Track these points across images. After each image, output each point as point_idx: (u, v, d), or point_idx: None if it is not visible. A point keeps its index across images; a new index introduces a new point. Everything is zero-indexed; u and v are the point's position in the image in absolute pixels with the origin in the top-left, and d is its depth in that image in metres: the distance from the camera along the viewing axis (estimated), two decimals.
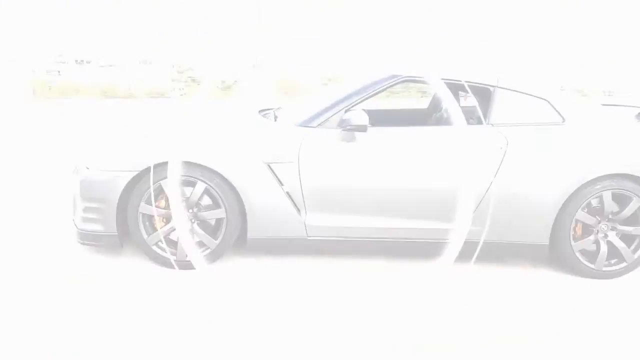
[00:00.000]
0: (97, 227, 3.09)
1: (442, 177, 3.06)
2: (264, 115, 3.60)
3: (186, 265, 3.06)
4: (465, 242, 3.07)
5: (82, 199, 3.10)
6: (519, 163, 3.04)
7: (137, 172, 2.99)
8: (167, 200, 3.08)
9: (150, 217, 3.09)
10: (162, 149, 2.99)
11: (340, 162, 3.04)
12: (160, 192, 3.05)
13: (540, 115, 3.18)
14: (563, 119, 3.16)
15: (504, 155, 3.04)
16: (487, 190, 3.05)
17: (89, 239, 3.14)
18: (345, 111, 3.07)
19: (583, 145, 3.08)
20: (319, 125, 3.11)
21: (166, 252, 3.06)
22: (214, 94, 9.79)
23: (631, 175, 3.03)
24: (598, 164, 3.03)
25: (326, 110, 3.15)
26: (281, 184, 3.02)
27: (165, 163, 2.92)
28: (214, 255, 3.12)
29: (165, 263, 3.10)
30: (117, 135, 3.57)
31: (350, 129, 2.97)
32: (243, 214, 3.07)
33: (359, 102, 3.16)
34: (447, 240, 3.07)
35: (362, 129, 2.93)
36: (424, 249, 3.20)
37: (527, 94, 3.20)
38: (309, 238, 3.11)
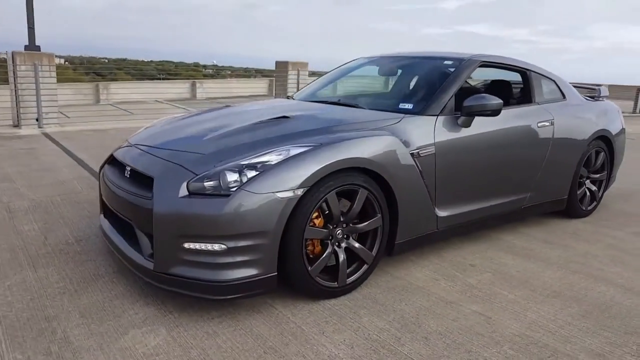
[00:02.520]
0: (251, 271, 2.26)
1: (529, 152, 3.45)
2: None
3: (348, 290, 2.61)
4: (526, 208, 3.62)
5: (222, 238, 2.20)
6: (558, 135, 3.67)
7: (306, 189, 2.31)
8: (325, 218, 2.49)
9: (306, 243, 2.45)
10: (328, 155, 2.40)
11: (463, 146, 3.03)
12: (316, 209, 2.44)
13: (553, 94, 3.88)
14: (564, 96, 3.94)
15: (554, 129, 3.62)
16: (544, 160, 3.59)
17: (241, 290, 2.27)
18: (460, 97, 3.06)
19: (581, 116, 3.94)
20: (440, 112, 3.00)
21: (327, 281, 2.52)
22: None
23: (605, 136, 4.07)
24: (592, 129, 3.94)
25: (444, 97, 3.05)
26: (423, 177, 2.83)
27: (335, 173, 2.41)
28: (370, 270, 2.72)
29: (328, 294, 2.55)
30: (242, 143, 2.58)
31: (489, 114, 2.98)
32: (393, 217, 2.75)
33: (458, 88, 3.18)
34: (525, 206, 3.53)
35: (497, 113, 3.00)
36: (512, 216, 3.58)
37: (546, 76, 3.83)
38: (438, 230, 3.03)
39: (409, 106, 3.06)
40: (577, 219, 4.10)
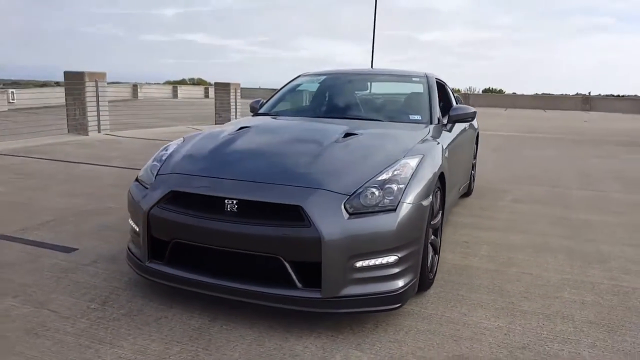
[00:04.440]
0: (410, 277, 2.47)
1: (467, 148, 4.37)
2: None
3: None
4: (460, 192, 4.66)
5: (394, 250, 2.35)
6: (470, 132, 4.73)
7: (432, 195, 2.63)
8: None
9: None
10: (433, 164, 2.78)
11: (452, 147, 3.68)
12: None
13: (453, 101, 4.92)
14: (457, 101, 5.05)
15: (470, 128, 4.65)
16: (469, 153, 4.60)
17: (407, 296, 2.44)
18: (450, 108, 3.74)
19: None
20: (438, 121, 3.61)
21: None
22: None
23: (478, 132, 5.37)
24: (476, 126, 5.17)
25: (437, 108, 3.66)
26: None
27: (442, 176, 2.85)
28: (439, 259, 3.15)
29: (430, 284, 2.90)
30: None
31: (470, 120, 3.71)
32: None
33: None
34: (460, 192, 4.53)
35: (474, 118, 3.76)
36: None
37: (447, 85, 4.84)
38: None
39: (417, 117, 3.57)
40: (467, 197, 5.29)
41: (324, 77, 4.28)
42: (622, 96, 44.63)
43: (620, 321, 2.57)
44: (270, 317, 2.50)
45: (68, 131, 9.80)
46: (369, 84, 4.21)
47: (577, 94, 43.60)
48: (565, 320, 2.57)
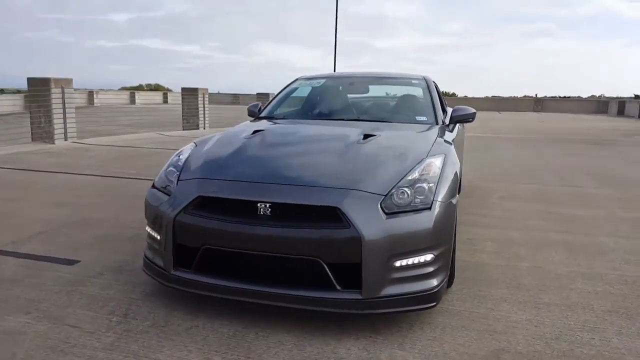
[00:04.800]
0: (443, 275, 2.50)
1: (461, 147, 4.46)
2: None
3: None
4: None
5: (431, 248, 2.38)
6: (460, 132, 4.84)
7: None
8: None
9: None
10: (453, 162, 2.84)
11: (456, 142, 3.77)
12: None
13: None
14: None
15: (461, 131, 4.76)
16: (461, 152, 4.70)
17: (440, 294, 2.46)
18: (451, 109, 3.82)
19: None
20: (442, 122, 3.68)
21: None
22: None
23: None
24: (464, 127, 5.30)
25: (440, 109, 3.73)
26: None
27: None
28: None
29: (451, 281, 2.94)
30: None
31: (471, 120, 3.80)
32: None
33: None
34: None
35: (473, 119, 3.85)
36: None
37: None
38: None
39: (424, 118, 3.62)
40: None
41: (322, 80, 4.27)
42: (568, 97, 47.51)
43: (636, 309, 2.69)
44: (303, 321, 2.47)
45: (32, 139, 9.35)
46: (369, 86, 4.23)
47: (525, 96, 45.64)
48: (586, 310, 2.66)
